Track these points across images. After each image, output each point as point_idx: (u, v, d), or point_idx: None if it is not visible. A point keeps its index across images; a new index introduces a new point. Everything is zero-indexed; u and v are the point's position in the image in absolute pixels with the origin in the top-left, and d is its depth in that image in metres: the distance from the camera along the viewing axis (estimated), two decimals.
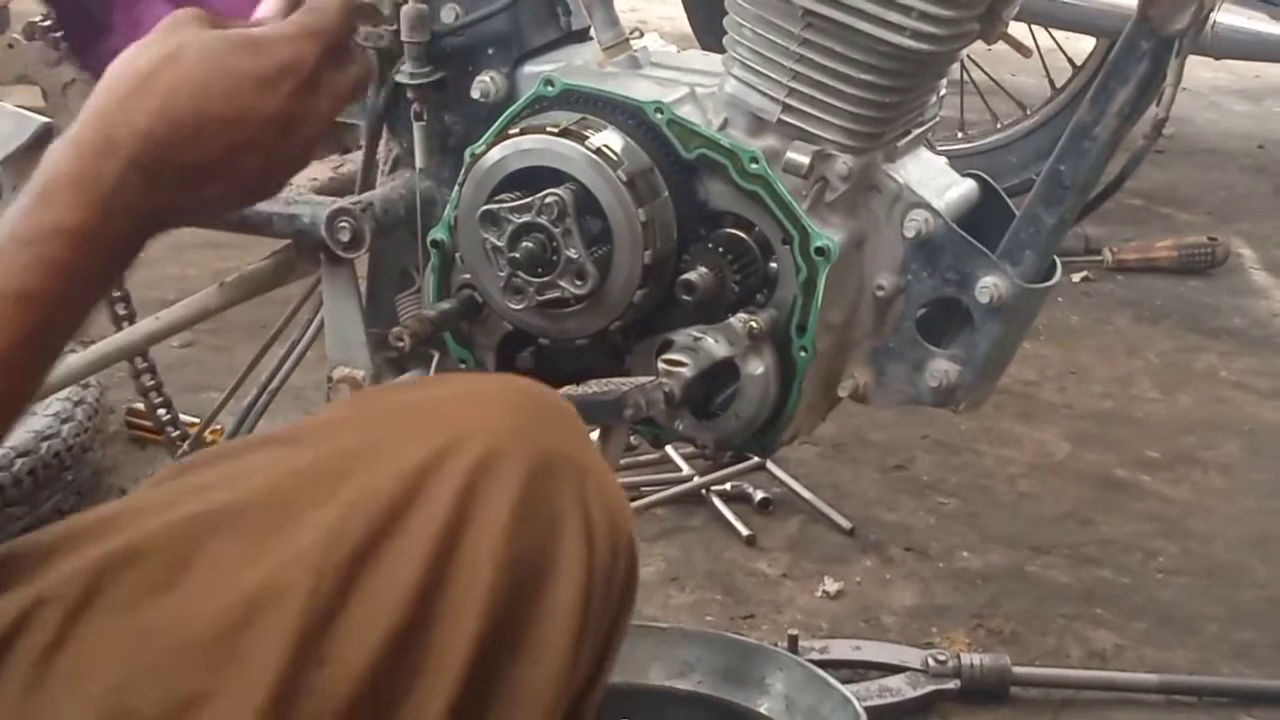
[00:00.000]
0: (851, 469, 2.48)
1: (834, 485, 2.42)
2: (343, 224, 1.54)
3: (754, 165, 1.41)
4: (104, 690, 0.85)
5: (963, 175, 1.54)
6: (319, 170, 1.73)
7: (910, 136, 1.49)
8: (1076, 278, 3.24)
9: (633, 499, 2.32)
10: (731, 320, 1.43)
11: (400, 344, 1.48)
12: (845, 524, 2.29)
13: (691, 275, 1.42)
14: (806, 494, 2.35)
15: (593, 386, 1.32)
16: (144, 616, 0.87)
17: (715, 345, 1.43)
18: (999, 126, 3.62)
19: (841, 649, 1.97)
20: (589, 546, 0.93)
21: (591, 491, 0.94)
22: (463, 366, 1.56)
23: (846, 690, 1.67)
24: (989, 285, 1.42)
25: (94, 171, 0.89)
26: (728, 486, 2.37)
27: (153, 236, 0.94)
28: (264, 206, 1.55)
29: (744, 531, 2.26)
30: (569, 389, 1.30)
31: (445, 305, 1.51)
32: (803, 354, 1.44)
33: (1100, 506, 2.41)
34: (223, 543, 0.88)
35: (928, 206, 1.44)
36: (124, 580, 0.88)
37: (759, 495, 2.34)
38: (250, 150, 0.94)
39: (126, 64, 0.93)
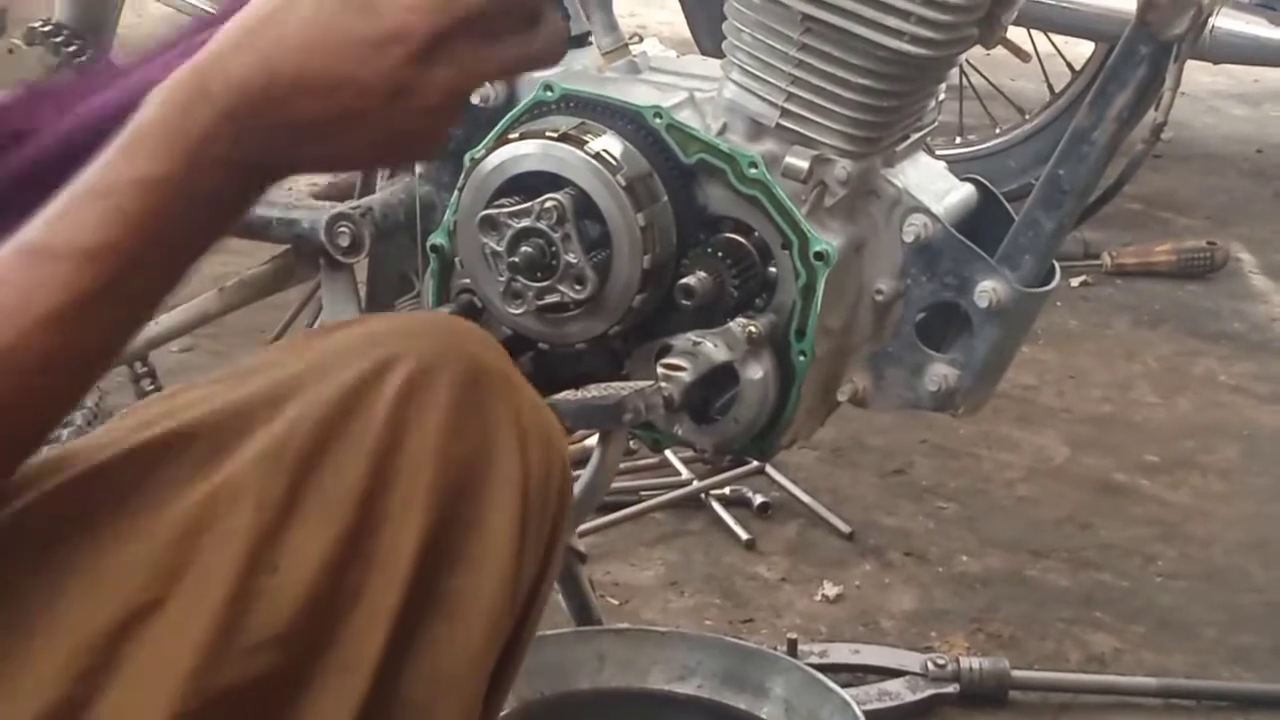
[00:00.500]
0: (850, 473, 2.48)
1: (833, 489, 2.42)
2: (342, 229, 1.54)
3: (753, 170, 1.42)
4: (70, 614, 0.87)
5: (961, 180, 1.54)
6: (317, 175, 1.73)
7: (909, 141, 1.49)
8: (1075, 282, 3.24)
9: (632, 503, 2.32)
10: (731, 325, 1.43)
11: None
12: (844, 528, 2.29)
13: (690, 280, 1.42)
14: (806, 498, 2.35)
15: (592, 391, 1.32)
16: (99, 538, 0.89)
17: (714, 350, 1.43)
18: (998, 131, 3.62)
19: (841, 653, 1.97)
20: (523, 454, 0.95)
21: (523, 404, 0.97)
22: None
23: (846, 694, 1.67)
24: (988, 289, 1.42)
25: (183, 120, 0.85)
26: (727, 491, 2.37)
27: (258, 191, 0.89)
28: (263, 211, 1.56)
29: (743, 536, 2.26)
30: (568, 394, 1.31)
31: (444, 310, 1.52)
32: (802, 358, 1.44)
33: (1099, 511, 2.41)
34: (171, 466, 0.90)
35: (926, 211, 1.44)
36: (80, 507, 0.89)
37: (758, 499, 2.34)
38: (352, 118, 0.88)
39: (244, 12, 0.88)
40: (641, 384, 1.36)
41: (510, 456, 0.95)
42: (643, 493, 2.36)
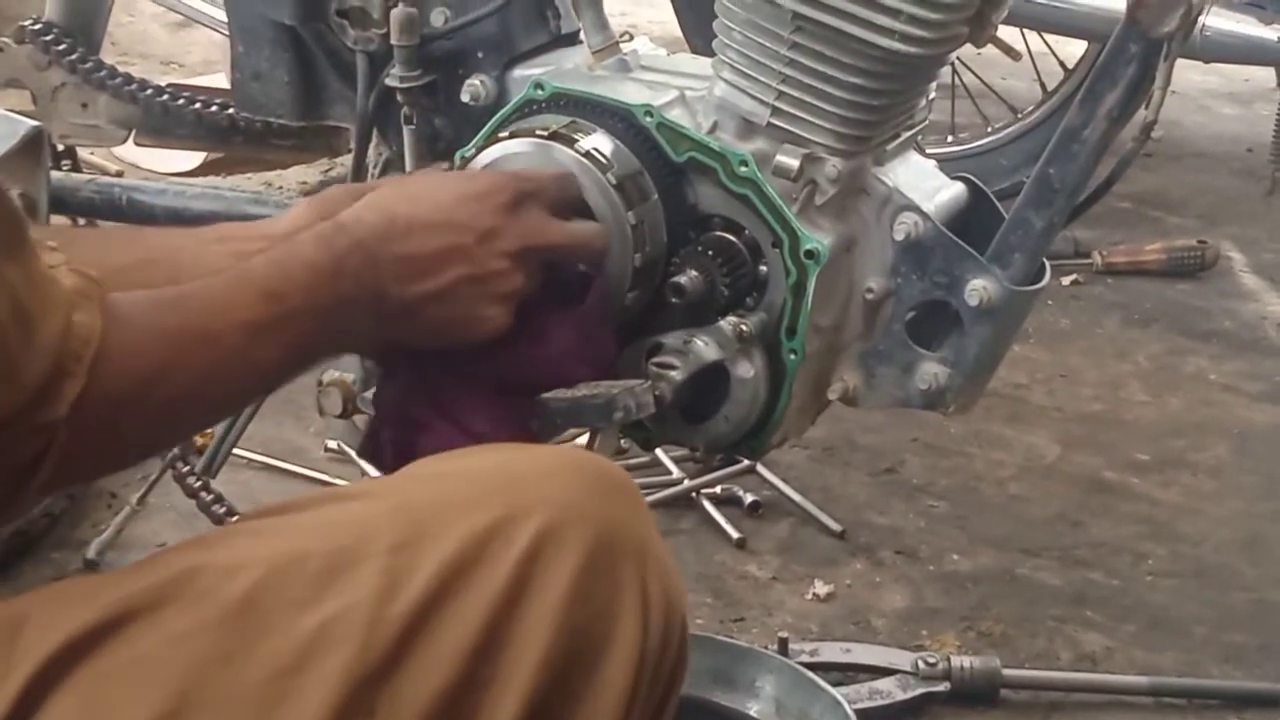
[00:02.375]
0: (841, 472, 2.48)
1: (824, 488, 2.41)
2: None
3: (743, 168, 1.42)
4: (155, 713, 0.86)
5: (952, 178, 1.54)
6: (309, 174, 1.73)
7: (900, 140, 1.49)
8: (1066, 281, 3.24)
9: None
10: (721, 323, 1.43)
11: None
12: (835, 527, 2.29)
13: (681, 278, 1.42)
14: (796, 497, 2.35)
15: (582, 390, 1.32)
16: (200, 648, 0.88)
17: (705, 348, 1.43)
18: (990, 130, 3.62)
19: (831, 651, 1.97)
20: (644, 626, 0.94)
21: (651, 570, 0.96)
22: None
23: (837, 693, 1.67)
24: (978, 288, 1.42)
25: (330, 242, 1.11)
26: (718, 489, 2.36)
27: (378, 315, 1.14)
28: (255, 209, 1.55)
29: (734, 534, 2.26)
30: (558, 392, 1.30)
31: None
32: (792, 357, 1.44)
33: (1090, 509, 2.41)
34: (281, 587, 0.89)
35: (917, 209, 1.44)
36: (182, 614, 0.88)
37: (749, 498, 2.34)
38: (452, 252, 1.16)
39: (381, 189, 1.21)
40: (632, 382, 1.36)
41: (631, 626, 0.94)
42: None
